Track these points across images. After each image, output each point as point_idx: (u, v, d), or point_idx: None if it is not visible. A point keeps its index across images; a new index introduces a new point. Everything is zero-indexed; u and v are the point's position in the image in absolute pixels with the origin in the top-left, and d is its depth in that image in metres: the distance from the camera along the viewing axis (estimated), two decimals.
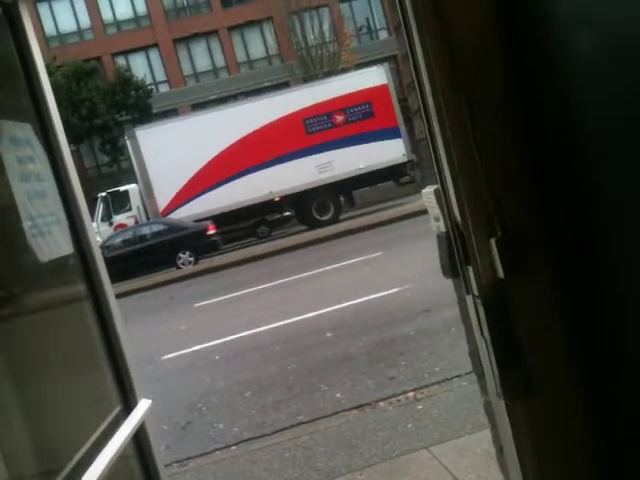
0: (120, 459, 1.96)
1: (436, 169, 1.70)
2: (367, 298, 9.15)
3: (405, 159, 23.60)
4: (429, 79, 1.60)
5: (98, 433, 2.01)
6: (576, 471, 1.57)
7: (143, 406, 2.22)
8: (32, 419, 1.90)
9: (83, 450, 1.91)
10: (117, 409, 2.20)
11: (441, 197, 1.72)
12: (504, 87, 1.53)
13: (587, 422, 1.56)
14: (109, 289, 2.24)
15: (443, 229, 1.77)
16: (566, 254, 1.54)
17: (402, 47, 1.79)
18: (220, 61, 38.74)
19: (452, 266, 1.73)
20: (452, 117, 1.57)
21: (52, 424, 1.99)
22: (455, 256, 1.70)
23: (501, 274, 1.54)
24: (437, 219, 1.81)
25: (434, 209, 1.81)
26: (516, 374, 1.54)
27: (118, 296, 2.37)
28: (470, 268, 1.62)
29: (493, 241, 1.54)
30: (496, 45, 1.52)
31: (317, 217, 23.43)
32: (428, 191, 1.85)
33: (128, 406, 2.22)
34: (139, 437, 2.24)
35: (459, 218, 1.62)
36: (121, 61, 37.25)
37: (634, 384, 1.44)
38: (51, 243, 2.04)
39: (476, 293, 1.62)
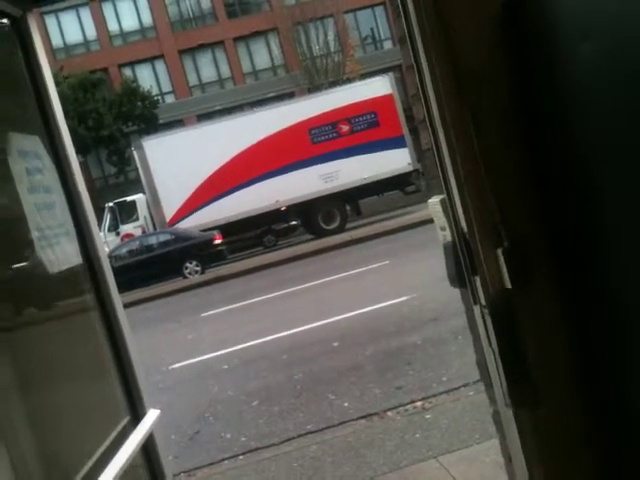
0: (129, 469, 1.97)
1: (442, 179, 1.71)
2: (374, 307, 9.13)
3: (410, 168, 23.59)
4: (434, 90, 1.61)
5: (107, 443, 2.02)
6: (582, 478, 1.57)
7: (152, 416, 2.22)
8: (41, 429, 1.91)
9: (92, 460, 1.92)
10: (126, 419, 2.21)
11: (447, 207, 1.73)
12: (508, 98, 1.54)
13: (593, 430, 1.56)
14: (117, 299, 2.25)
15: (450, 239, 1.77)
16: (573, 264, 1.54)
17: (407, 58, 1.80)
18: (226, 72, 38.91)
19: (459, 276, 1.73)
20: (457, 128, 1.58)
21: (61, 434, 2.00)
22: (462, 266, 1.70)
23: (508, 284, 1.54)
24: (443, 229, 1.81)
25: (440, 219, 1.82)
26: (524, 383, 1.54)
27: (125, 306, 2.38)
28: (477, 278, 1.62)
29: (500, 251, 1.54)
30: (500, 57, 1.52)
31: (323, 226, 23.43)
32: (434, 201, 1.85)
33: (137, 416, 2.22)
34: (148, 447, 2.24)
35: (465, 228, 1.63)
36: (127, 72, 37.47)
37: (638, 391, 1.44)
38: (60, 254, 2.06)
39: (483, 303, 1.62)
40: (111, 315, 2.20)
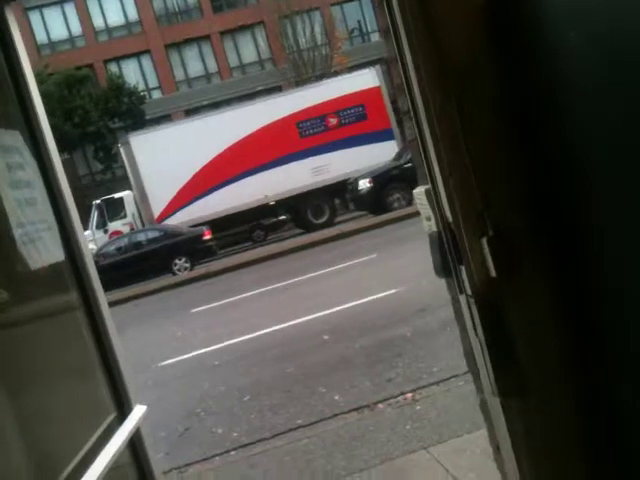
0: (117, 466, 1.96)
1: (426, 169, 1.70)
2: (363, 300, 9.14)
3: None
4: (418, 81, 1.60)
5: (93, 440, 2.00)
6: (570, 468, 1.57)
7: (138, 412, 2.21)
8: (26, 427, 1.89)
9: (78, 457, 1.91)
10: (112, 416, 2.19)
11: (432, 197, 1.73)
12: (493, 87, 1.53)
13: (581, 419, 1.56)
14: (101, 296, 2.23)
15: (435, 229, 1.77)
16: (558, 252, 1.54)
17: (391, 50, 1.79)
18: (212, 66, 38.74)
19: (445, 266, 1.73)
20: (441, 118, 1.57)
21: (47, 431, 1.99)
22: (447, 256, 1.70)
23: (493, 273, 1.54)
24: (429, 219, 1.81)
25: (425, 209, 1.82)
26: (510, 372, 1.54)
27: (114, 303, 2.37)
28: (463, 267, 1.62)
29: (485, 240, 1.54)
30: (484, 45, 1.52)
31: (312, 220, 23.40)
32: (419, 191, 1.85)
33: (123, 412, 2.21)
34: (135, 443, 2.23)
35: (450, 218, 1.62)
36: (113, 68, 37.22)
37: (628, 381, 1.44)
38: (42, 250, 2.04)
39: (469, 292, 1.62)
40: (95, 311, 2.18)
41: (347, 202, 22.74)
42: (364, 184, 20.27)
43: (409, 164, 19.33)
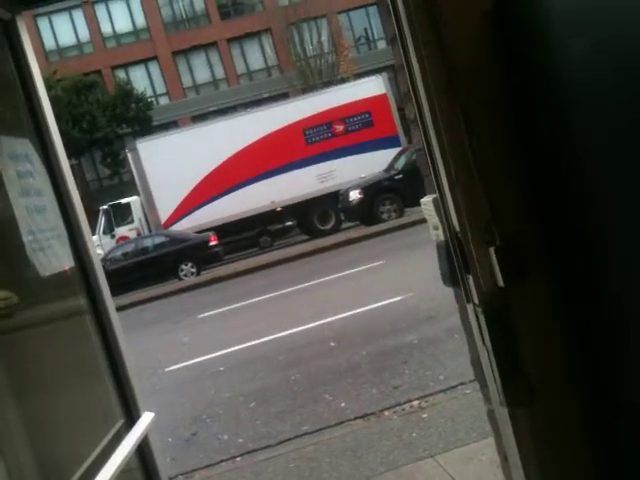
0: (124, 472, 1.96)
1: (434, 178, 1.71)
2: (370, 307, 9.12)
3: None
4: (425, 89, 1.60)
5: (101, 446, 2.01)
6: (579, 477, 1.57)
7: (146, 419, 2.21)
8: (35, 433, 1.90)
9: (87, 463, 1.91)
10: (120, 422, 2.20)
11: (439, 206, 1.73)
12: (499, 95, 1.53)
13: (589, 428, 1.55)
14: (110, 302, 2.24)
15: (442, 238, 1.77)
16: (566, 261, 1.54)
17: (398, 58, 1.80)
18: (220, 73, 38.87)
19: (452, 275, 1.72)
20: (448, 126, 1.57)
21: (55, 438, 1.99)
22: (455, 265, 1.70)
23: (501, 282, 1.53)
24: (436, 228, 1.81)
25: (433, 218, 1.82)
26: (518, 381, 1.54)
27: (121, 309, 2.37)
28: (470, 277, 1.62)
29: (492, 249, 1.54)
30: (491, 51, 1.52)
31: (319, 227, 23.41)
32: (426, 200, 1.85)
33: (131, 419, 2.21)
34: (143, 450, 2.23)
35: (458, 227, 1.62)
36: (121, 74, 37.40)
37: (634, 389, 1.43)
38: (51, 257, 2.05)
39: (477, 302, 1.61)
40: (104, 318, 2.19)
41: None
42: (354, 195, 20.29)
43: (400, 175, 19.43)
